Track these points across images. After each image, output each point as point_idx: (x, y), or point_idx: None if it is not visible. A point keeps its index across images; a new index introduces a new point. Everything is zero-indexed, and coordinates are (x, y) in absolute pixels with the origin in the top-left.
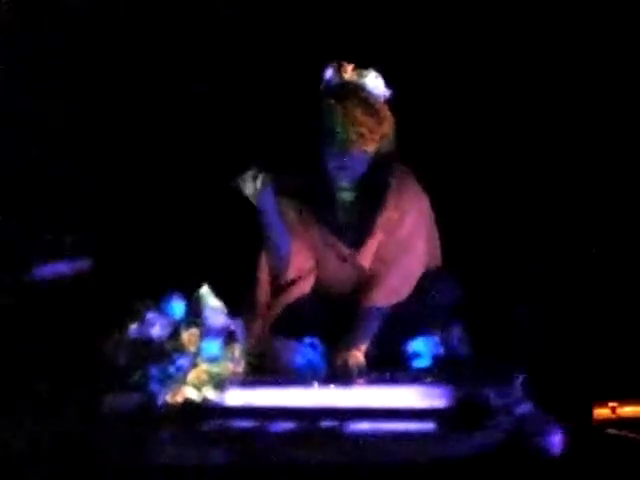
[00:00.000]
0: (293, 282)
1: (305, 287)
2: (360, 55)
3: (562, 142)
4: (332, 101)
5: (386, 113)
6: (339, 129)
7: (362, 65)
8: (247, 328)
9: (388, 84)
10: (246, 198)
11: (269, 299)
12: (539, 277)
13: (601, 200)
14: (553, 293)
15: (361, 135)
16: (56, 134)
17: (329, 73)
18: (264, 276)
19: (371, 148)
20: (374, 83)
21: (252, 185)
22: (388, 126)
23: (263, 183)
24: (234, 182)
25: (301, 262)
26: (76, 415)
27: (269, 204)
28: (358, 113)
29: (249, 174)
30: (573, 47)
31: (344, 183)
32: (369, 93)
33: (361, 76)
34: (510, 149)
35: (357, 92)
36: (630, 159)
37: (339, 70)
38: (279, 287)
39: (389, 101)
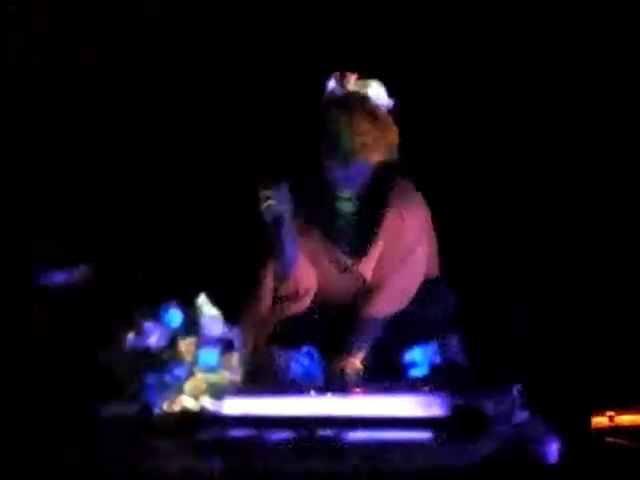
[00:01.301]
0: (294, 295)
1: (305, 303)
2: (360, 65)
3: (559, 149)
4: (337, 111)
5: (390, 123)
6: (344, 139)
7: (363, 74)
8: (245, 337)
9: (390, 95)
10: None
11: (269, 310)
12: (537, 285)
13: (599, 209)
14: (551, 301)
15: (365, 145)
16: (56, 143)
17: (332, 84)
18: (268, 287)
19: (375, 158)
20: (377, 93)
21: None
22: (393, 136)
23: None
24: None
25: (304, 275)
26: (73, 424)
27: (288, 212)
28: (363, 123)
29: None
30: (572, 56)
31: (345, 193)
32: (373, 103)
33: (364, 86)
34: (509, 157)
35: (361, 102)
36: (628, 163)
37: (342, 81)
38: (279, 298)
39: (392, 111)
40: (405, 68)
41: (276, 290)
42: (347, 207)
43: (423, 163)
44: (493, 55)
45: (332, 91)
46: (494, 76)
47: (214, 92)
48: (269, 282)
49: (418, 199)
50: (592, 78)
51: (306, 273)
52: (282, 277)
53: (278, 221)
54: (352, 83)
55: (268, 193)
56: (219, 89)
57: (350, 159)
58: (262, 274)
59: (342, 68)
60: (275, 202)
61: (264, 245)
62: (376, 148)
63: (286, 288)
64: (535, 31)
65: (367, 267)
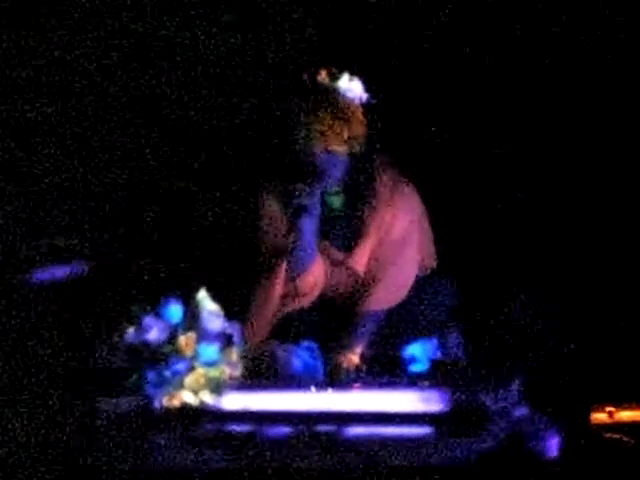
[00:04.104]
0: (304, 291)
1: (313, 297)
2: (356, 59)
3: (557, 140)
4: (298, 101)
5: (356, 115)
6: (300, 126)
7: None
8: (249, 332)
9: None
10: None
11: (278, 305)
12: (536, 280)
13: (599, 202)
14: (550, 296)
15: (322, 133)
16: (55, 137)
17: (304, 77)
18: (279, 283)
19: (337, 148)
20: (347, 85)
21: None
22: (358, 128)
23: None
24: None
25: (316, 271)
26: (72, 419)
27: (317, 212)
28: (321, 112)
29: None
30: (569, 50)
31: (330, 187)
32: (339, 95)
33: (333, 79)
34: (506, 147)
35: (325, 93)
36: (626, 159)
37: (313, 74)
38: (286, 294)
39: (366, 105)
40: (400, 59)
41: (287, 285)
42: (336, 202)
43: (419, 154)
44: (486, 47)
45: (303, 83)
46: (486, 67)
47: (204, 91)
48: (281, 279)
49: (409, 190)
50: (582, 71)
51: (317, 269)
52: (298, 273)
53: (301, 215)
54: (322, 76)
55: (293, 187)
56: (209, 88)
57: (306, 147)
58: (273, 270)
59: (334, 64)
60: (298, 195)
61: (274, 242)
62: (335, 138)
63: (298, 284)
64: (531, 28)
65: (359, 261)
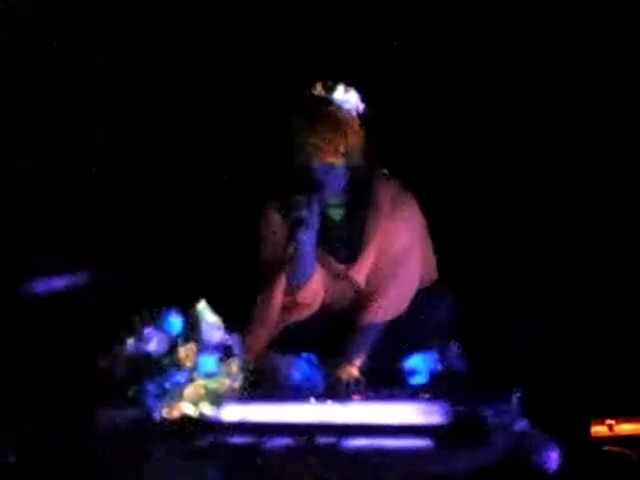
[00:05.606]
0: (303, 303)
1: (313, 309)
2: (352, 70)
3: (560, 156)
4: (296, 115)
5: (353, 126)
6: (297, 141)
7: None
8: (249, 344)
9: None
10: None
11: (279, 317)
12: (536, 293)
13: (598, 217)
14: (550, 310)
15: (320, 147)
16: (54, 150)
17: (303, 91)
18: (279, 294)
19: (335, 160)
20: (343, 97)
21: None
22: (355, 140)
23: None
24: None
25: (315, 283)
26: (73, 429)
27: (315, 225)
28: (318, 125)
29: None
30: (566, 55)
31: (333, 200)
32: (335, 107)
33: (329, 91)
34: (507, 159)
35: (321, 106)
36: (627, 171)
37: (309, 87)
38: (286, 306)
39: (363, 116)
40: (400, 71)
41: (287, 297)
42: (336, 213)
43: (420, 166)
44: (488, 56)
45: (300, 97)
46: (486, 78)
47: (207, 107)
48: (281, 290)
49: (410, 202)
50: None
51: (317, 281)
52: (298, 285)
53: (299, 227)
54: (318, 89)
55: (291, 199)
56: (208, 103)
57: (304, 159)
58: (274, 282)
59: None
60: (296, 207)
61: (275, 254)
62: (330, 150)
63: (298, 296)
64: (521, 30)
65: (360, 273)
